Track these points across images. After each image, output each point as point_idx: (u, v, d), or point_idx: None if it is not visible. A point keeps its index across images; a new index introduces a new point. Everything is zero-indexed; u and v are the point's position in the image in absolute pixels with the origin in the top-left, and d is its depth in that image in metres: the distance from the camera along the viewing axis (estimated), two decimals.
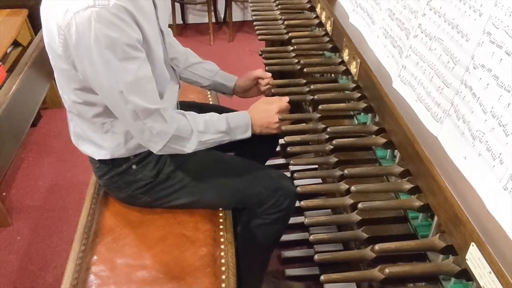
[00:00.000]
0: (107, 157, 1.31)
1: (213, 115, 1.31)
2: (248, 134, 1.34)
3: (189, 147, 1.26)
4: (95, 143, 1.31)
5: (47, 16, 1.13)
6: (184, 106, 1.53)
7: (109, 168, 1.35)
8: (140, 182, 1.35)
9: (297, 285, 1.77)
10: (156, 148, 1.22)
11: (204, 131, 1.27)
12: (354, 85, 1.30)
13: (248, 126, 1.34)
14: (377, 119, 1.19)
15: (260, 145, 1.60)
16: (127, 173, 1.35)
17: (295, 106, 1.44)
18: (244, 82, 1.61)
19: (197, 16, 4.17)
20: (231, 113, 1.36)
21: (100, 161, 1.34)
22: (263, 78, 1.58)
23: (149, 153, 1.33)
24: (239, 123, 1.33)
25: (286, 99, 1.37)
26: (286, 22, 1.68)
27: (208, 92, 2.01)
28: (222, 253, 1.32)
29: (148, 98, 1.15)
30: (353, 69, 1.29)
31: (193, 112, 1.30)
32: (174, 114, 1.24)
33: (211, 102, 1.95)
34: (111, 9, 1.04)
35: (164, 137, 1.20)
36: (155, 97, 1.18)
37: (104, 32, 1.04)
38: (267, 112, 1.35)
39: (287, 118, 1.35)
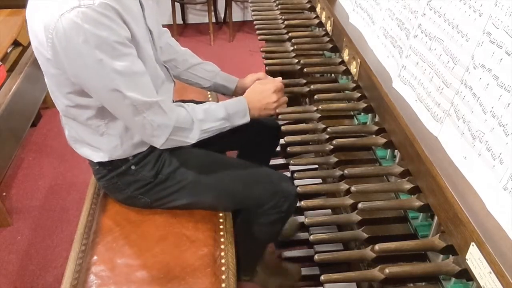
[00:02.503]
0: (105, 159, 1.31)
1: (211, 104, 1.32)
2: (247, 119, 1.34)
3: (192, 137, 1.26)
4: (92, 145, 1.30)
5: (33, 19, 1.11)
6: None
7: (108, 170, 1.35)
8: (140, 183, 1.35)
9: (292, 268, 1.78)
10: (159, 142, 1.21)
11: (204, 119, 1.26)
12: (354, 85, 1.30)
13: (246, 111, 1.34)
14: (377, 119, 1.19)
15: (261, 144, 1.61)
16: (127, 174, 1.34)
17: (294, 104, 1.44)
18: (245, 84, 1.59)
19: (197, 16, 4.17)
20: (228, 100, 1.36)
21: (99, 163, 1.34)
22: None
23: (148, 153, 1.33)
24: (237, 108, 1.33)
25: (279, 79, 1.38)
26: (286, 22, 1.68)
27: (208, 91, 2.01)
28: (222, 253, 1.32)
29: (145, 92, 1.15)
30: (353, 69, 1.29)
31: (191, 103, 1.30)
32: (173, 106, 1.24)
33: (210, 101, 1.95)
34: (97, 8, 1.03)
35: (166, 129, 1.19)
36: (152, 90, 1.18)
37: (93, 32, 1.02)
38: (263, 93, 1.36)
39: (285, 112, 1.35)
